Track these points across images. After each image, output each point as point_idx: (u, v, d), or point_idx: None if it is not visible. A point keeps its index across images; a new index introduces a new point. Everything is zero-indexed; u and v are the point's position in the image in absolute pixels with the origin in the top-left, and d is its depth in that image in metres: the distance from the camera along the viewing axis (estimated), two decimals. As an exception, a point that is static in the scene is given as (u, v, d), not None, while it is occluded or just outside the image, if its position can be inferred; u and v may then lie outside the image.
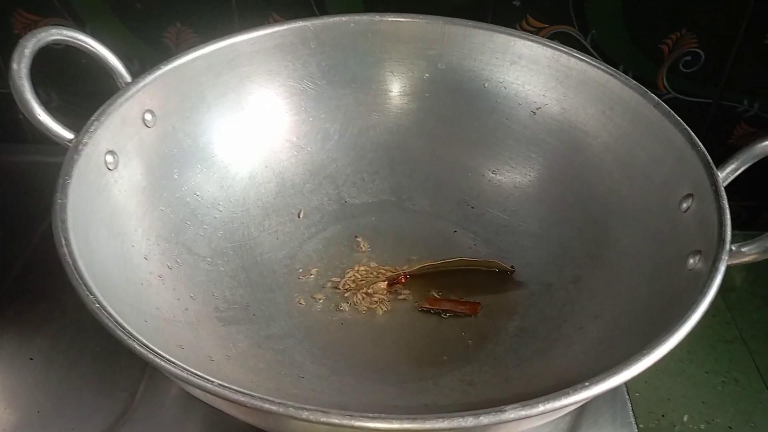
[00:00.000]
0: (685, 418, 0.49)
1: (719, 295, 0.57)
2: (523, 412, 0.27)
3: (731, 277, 0.60)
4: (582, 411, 0.44)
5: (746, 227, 0.67)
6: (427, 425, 0.26)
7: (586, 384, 0.28)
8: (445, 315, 0.47)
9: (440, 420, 0.26)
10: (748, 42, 0.57)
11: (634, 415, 0.46)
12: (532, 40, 0.52)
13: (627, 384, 0.47)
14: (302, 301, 0.48)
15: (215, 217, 0.50)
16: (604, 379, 0.28)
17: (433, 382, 0.42)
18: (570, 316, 0.44)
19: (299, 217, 0.53)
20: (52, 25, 0.60)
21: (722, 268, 0.33)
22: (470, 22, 0.53)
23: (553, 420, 0.43)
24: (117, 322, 0.31)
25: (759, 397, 0.51)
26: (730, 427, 0.49)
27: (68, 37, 0.44)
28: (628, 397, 0.46)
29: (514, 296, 0.48)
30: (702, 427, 0.49)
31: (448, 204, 0.54)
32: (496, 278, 0.49)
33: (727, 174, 0.40)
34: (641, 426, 0.48)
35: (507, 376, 0.41)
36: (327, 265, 0.50)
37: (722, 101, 0.61)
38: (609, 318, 0.42)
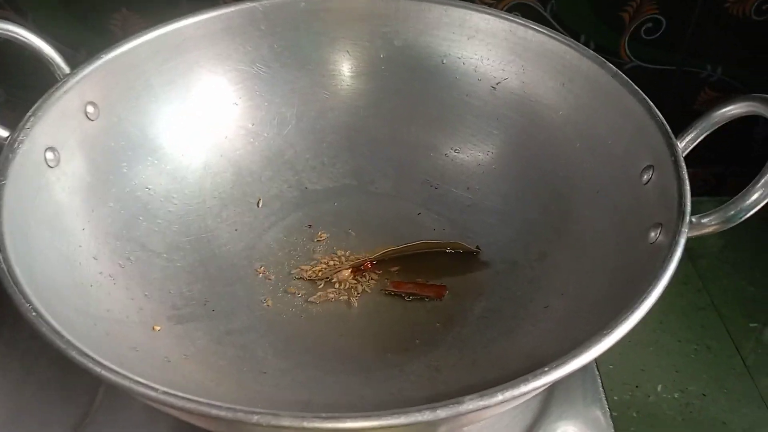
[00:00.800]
0: (659, 388, 0.49)
1: (690, 262, 0.57)
2: (482, 403, 0.26)
3: (702, 245, 0.60)
4: (552, 389, 0.44)
5: (715, 193, 0.67)
6: (383, 422, 0.25)
7: (545, 369, 0.27)
8: (409, 298, 0.46)
9: (396, 416, 0.25)
10: (709, 6, 0.57)
11: (604, 390, 0.45)
12: (488, 13, 0.51)
13: (598, 358, 0.47)
14: (264, 294, 0.46)
15: (169, 211, 0.49)
16: (564, 362, 0.28)
17: (399, 370, 0.41)
18: (536, 294, 0.43)
19: (258, 206, 0.52)
20: None
21: (682, 241, 0.33)
22: (425, -4, 0.51)
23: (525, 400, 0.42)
24: (54, 329, 0.29)
25: (731, 363, 0.51)
26: (704, 395, 0.49)
27: (-2, 29, 0.41)
28: (597, 373, 0.46)
29: (480, 276, 0.47)
30: (676, 396, 0.49)
31: (411, 185, 0.53)
32: (462, 259, 0.48)
33: (686, 143, 0.39)
34: (615, 398, 0.48)
35: (474, 359, 0.40)
36: (289, 255, 0.49)
37: (685, 67, 0.60)
38: (574, 294, 0.41)
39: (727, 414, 0.48)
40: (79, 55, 0.60)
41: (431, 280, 0.47)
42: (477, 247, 0.48)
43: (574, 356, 0.28)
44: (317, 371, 0.41)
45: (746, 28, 0.58)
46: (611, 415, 0.44)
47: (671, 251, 0.32)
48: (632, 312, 0.30)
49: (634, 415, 0.47)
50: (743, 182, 0.58)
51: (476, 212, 0.51)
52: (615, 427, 0.44)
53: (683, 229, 0.33)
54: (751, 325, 0.54)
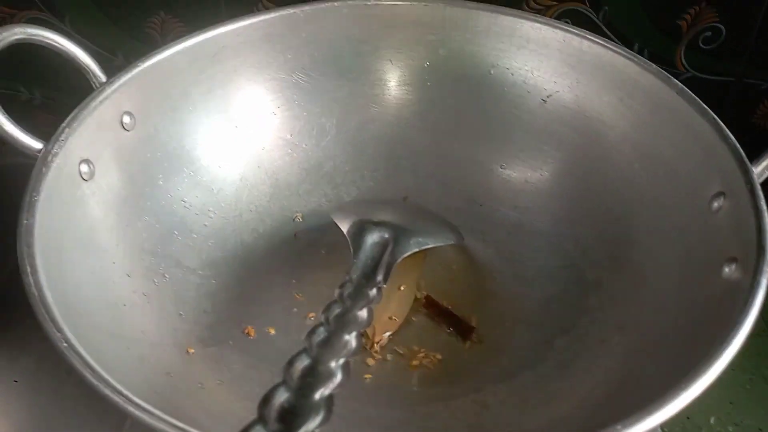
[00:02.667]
0: (712, 420, 0.46)
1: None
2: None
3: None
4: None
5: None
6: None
7: (618, 427, 0.24)
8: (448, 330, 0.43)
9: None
10: (772, 14, 0.53)
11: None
12: (540, 22, 0.48)
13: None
14: (305, 316, 0.44)
15: (205, 225, 0.47)
16: (637, 420, 0.25)
17: (444, 405, 0.38)
18: (590, 327, 0.40)
19: (296, 221, 0.50)
20: (28, 19, 0.58)
21: (764, 282, 0.30)
22: (472, 4, 0.49)
23: None
24: (86, 362, 0.27)
25: (790, 395, 0.48)
26: (760, 429, 0.46)
27: (33, 36, 0.40)
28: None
29: (529, 304, 0.44)
30: (730, 429, 0.46)
31: (455, 202, 0.51)
32: (508, 281, 0.46)
33: (762, 169, 0.36)
34: (666, 430, 0.45)
35: (524, 397, 0.38)
36: (330, 274, 0.47)
37: (745, 79, 0.57)
38: (634, 330, 0.38)
39: (783, 450, 0.45)
40: (116, 59, 0.59)
41: (473, 305, 0.45)
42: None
43: (648, 413, 0.25)
44: (358, 403, 0.39)
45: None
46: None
47: (752, 293, 0.29)
48: (713, 360, 0.27)
49: (687, 448, 0.45)
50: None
51: (524, 233, 0.48)
52: (666, 462, 0.42)
53: (765, 268, 0.30)
54: (810, 354, 0.50)
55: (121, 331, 0.36)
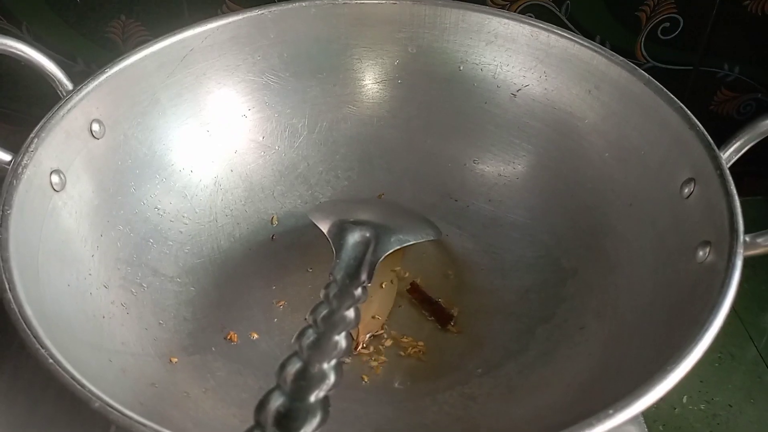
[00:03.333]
0: (684, 399, 0.48)
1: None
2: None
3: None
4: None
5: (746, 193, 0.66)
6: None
7: (610, 412, 0.25)
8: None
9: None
10: (727, 4, 0.55)
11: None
12: (508, 17, 0.48)
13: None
14: (287, 318, 0.44)
15: (180, 231, 0.46)
16: (628, 404, 0.26)
17: (431, 399, 0.39)
18: (569, 315, 0.41)
19: (272, 223, 0.50)
20: None
21: (739, 263, 0.31)
22: (440, 1, 0.49)
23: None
24: (74, 377, 0.27)
25: (756, 371, 0.49)
26: (730, 405, 0.47)
27: (-4, 44, 0.39)
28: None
29: (507, 295, 0.45)
30: (702, 407, 0.47)
31: (430, 198, 0.51)
32: (486, 273, 0.47)
33: (729, 155, 0.37)
34: (642, 412, 0.46)
35: (510, 386, 0.38)
36: (309, 275, 0.47)
37: (702, 67, 0.59)
38: (612, 315, 0.39)
39: (755, 425, 0.46)
40: (76, 65, 0.57)
41: (454, 298, 0.45)
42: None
43: (638, 396, 0.26)
44: (345, 402, 0.39)
45: (765, 26, 0.56)
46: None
47: (728, 274, 0.30)
48: (696, 341, 0.28)
49: (661, 428, 0.46)
50: (759, 182, 0.56)
51: (499, 226, 0.49)
52: (643, 442, 0.43)
53: (738, 250, 0.31)
54: (774, 330, 0.52)
55: (102, 343, 0.35)
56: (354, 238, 0.42)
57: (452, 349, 0.42)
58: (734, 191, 0.34)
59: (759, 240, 0.33)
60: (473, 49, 0.50)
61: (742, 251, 0.31)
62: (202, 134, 0.49)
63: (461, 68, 0.51)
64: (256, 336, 0.43)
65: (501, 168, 0.50)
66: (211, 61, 0.48)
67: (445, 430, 0.36)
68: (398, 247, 0.43)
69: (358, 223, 0.44)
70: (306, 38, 0.50)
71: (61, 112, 0.39)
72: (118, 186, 0.43)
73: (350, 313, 0.34)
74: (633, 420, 0.43)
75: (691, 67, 0.58)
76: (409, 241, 0.45)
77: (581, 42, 0.46)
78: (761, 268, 0.57)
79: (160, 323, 0.41)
